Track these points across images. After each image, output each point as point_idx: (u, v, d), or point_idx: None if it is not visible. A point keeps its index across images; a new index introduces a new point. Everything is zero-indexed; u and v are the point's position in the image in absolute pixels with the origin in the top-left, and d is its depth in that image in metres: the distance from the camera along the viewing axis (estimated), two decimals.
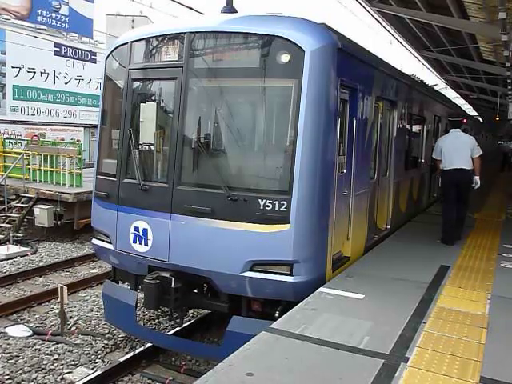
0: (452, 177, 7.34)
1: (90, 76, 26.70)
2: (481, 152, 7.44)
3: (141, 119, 6.08)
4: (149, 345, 6.43)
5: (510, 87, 17.30)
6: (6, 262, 10.64)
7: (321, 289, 5.08)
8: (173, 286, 5.32)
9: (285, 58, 4.99)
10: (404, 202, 9.13)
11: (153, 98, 6.05)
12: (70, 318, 7.53)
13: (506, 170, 27.30)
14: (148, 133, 6.10)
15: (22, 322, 7.54)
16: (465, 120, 9.04)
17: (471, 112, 30.39)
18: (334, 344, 3.87)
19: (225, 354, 3.71)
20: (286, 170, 5.04)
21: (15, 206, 13.29)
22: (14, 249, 11.49)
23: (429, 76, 21.02)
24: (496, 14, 8.54)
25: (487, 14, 10.51)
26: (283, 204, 4.93)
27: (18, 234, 12.59)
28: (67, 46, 25.78)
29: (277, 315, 4.92)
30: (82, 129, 26.83)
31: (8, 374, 5.80)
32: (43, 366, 6.05)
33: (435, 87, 14.85)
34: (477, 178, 7.45)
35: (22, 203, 13.19)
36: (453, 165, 7.30)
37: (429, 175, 11.41)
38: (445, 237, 7.51)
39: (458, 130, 7.64)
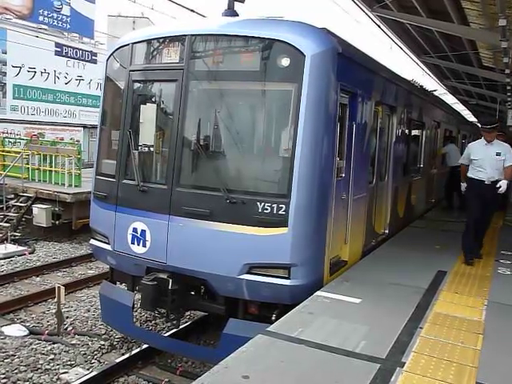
0: None
1: (91, 76, 26.67)
2: None
3: (141, 120, 6.10)
4: (145, 346, 6.41)
5: (509, 94, 17.33)
6: (3, 261, 10.62)
7: (318, 292, 5.08)
8: (170, 287, 5.32)
9: (285, 61, 5.00)
10: (402, 207, 9.14)
11: (153, 99, 6.08)
12: (67, 318, 7.51)
13: None
14: (147, 134, 6.12)
15: (18, 321, 7.52)
16: None
17: (470, 118, 30.43)
18: (330, 348, 3.87)
19: (221, 356, 3.71)
20: (285, 174, 5.04)
21: (13, 205, 13.28)
22: (12, 248, 11.47)
23: (428, 81, 21.06)
24: (496, 21, 8.57)
25: (487, 21, 10.54)
26: (282, 207, 4.93)
27: (16, 234, 12.58)
28: (68, 46, 25.77)
29: (273, 318, 4.92)
30: (82, 129, 26.81)
31: (3, 374, 5.79)
32: (39, 366, 6.04)
33: (435, 93, 14.88)
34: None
35: (21, 202, 13.17)
36: None
37: (427, 180, 11.42)
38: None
39: None
